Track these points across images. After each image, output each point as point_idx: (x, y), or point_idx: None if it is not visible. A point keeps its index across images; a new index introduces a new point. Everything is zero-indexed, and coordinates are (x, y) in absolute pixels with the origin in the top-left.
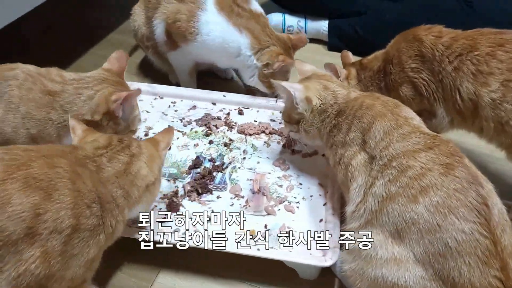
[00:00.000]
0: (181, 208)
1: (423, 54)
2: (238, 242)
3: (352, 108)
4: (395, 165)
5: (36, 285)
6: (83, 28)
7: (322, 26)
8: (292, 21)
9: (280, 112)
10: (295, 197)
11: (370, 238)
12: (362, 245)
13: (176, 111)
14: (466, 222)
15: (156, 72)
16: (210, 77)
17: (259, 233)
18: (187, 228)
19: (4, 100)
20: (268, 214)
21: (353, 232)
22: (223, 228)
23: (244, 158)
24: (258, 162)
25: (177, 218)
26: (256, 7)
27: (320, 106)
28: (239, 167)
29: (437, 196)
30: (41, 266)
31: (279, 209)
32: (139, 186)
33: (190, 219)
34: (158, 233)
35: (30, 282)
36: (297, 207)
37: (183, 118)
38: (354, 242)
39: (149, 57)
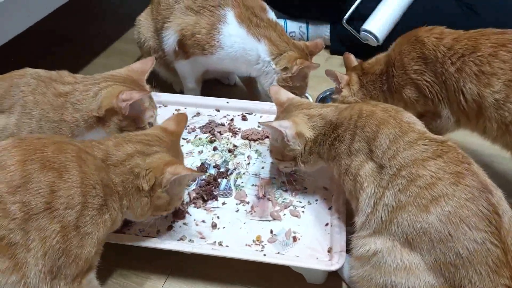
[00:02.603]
0: (186, 215)
1: (426, 56)
2: (244, 248)
3: (351, 118)
4: (404, 175)
5: (57, 266)
6: (87, 37)
7: (324, 31)
8: (294, 27)
9: (269, 151)
10: (300, 202)
11: (378, 245)
12: (367, 252)
13: None
14: (477, 231)
15: (160, 81)
16: (213, 84)
17: (265, 238)
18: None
19: (19, 106)
20: (274, 219)
21: (361, 239)
22: (230, 234)
23: (248, 163)
24: (263, 168)
25: (184, 224)
26: (272, 16)
27: (313, 136)
28: (243, 173)
29: (448, 206)
30: (61, 240)
31: (285, 214)
32: (132, 182)
33: (196, 226)
34: (165, 241)
35: (53, 260)
36: (303, 212)
37: (187, 126)
38: (361, 248)
39: (155, 68)
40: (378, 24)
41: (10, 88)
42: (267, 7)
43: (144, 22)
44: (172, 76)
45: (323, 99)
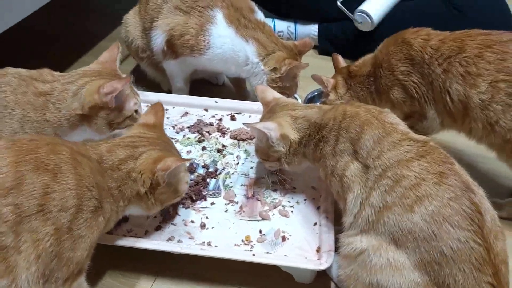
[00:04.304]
0: (175, 216)
1: (413, 57)
2: (233, 248)
3: (335, 119)
4: (390, 175)
5: (49, 269)
6: (73, 36)
7: (312, 30)
8: (282, 26)
9: (255, 150)
10: (289, 201)
11: (364, 244)
12: (353, 250)
13: (168, 118)
14: (460, 230)
15: (148, 80)
16: (202, 83)
17: (254, 238)
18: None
19: (0, 106)
20: (263, 219)
21: (348, 238)
22: (219, 234)
23: (237, 163)
24: (252, 167)
25: (173, 225)
26: (261, 16)
27: (298, 138)
28: (232, 173)
29: (432, 206)
30: (54, 243)
31: (274, 214)
32: (131, 187)
33: (185, 226)
34: (153, 241)
35: (46, 264)
36: (292, 211)
37: (176, 125)
38: (348, 247)
39: (142, 68)
40: (374, 7)
41: None
42: (256, 8)
43: (132, 21)
44: (160, 76)
45: (311, 100)
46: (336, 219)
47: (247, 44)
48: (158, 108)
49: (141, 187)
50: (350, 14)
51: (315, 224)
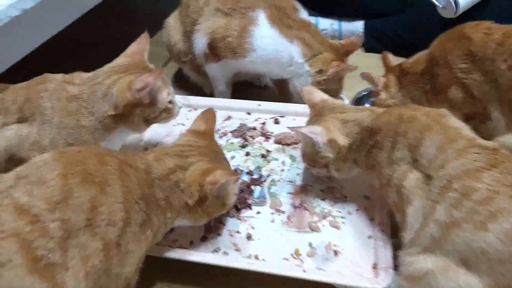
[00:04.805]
0: (220, 226)
1: (473, 53)
2: (282, 262)
3: (390, 124)
4: (456, 188)
5: (97, 286)
6: (113, 41)
7: (357, 27)
8: (325, 24)
9: (301, 155)
10: (339, 212)
11: (429, 265)
12: (416, 271)
13: None
14: None
15: (191, 84)
16: (244, 86)
17: (304, 252)
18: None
19: (38, 113)
20: (312, 230)
21: (410, 256)
22: (266, 246)
23: (282, 170)
24: (298, 174)
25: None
26: (305, 15)
27: (348, 143)
28: (278, 180)
29: (508, 223)
30: (103, 259)
31: (324, 225)
32: (179, 197)
33: (230, 237)
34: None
35: (94, 281)
36: (343, 223)
37: (218, 130)
38: (410, 267)
39: (184, 71)
40: None
41: (30, 95)
42: (299, 6)
43: (173, 24)
44: (202, 79)
45: (359, 100)
46: (392, 232)
47: (291, 44)
48: (209, 115)
49: (189, 199)
50: None
51: (370, 237)
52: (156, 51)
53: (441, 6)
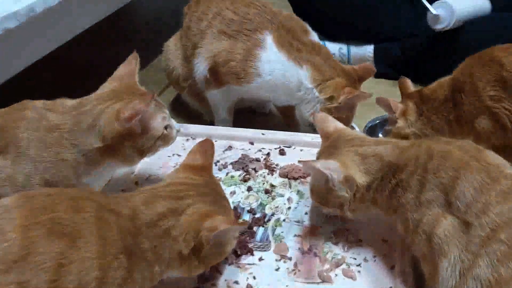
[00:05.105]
0: (216, 275)
1: (505, 79)
2: None
3: (418, 159)
4: (503, 238)
5: None
6: (110, 66)
7: (367, 51)
8: (333, 48)
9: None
10: (355, 258)
11: None
12: None
13: None
14: None
15: (190, 110)
16: (246, 113)
17: None
18: None
19: (13, 145)
20: (323, 281)
21: None
22: None
23: (289, 208)
24: (306, 213)
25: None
26: (316, 38)
27: (367, 182)
28: (284, 220)
29: None
30: None
31: (336, 275)
32: (170, 248)
33: None
34: None
35: None
36: (359, 272)
37: (218, 161)
38: None
39: (183, 98)
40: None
41: (6, 123)
42: (309, 28)
43: (172, 48)
44: (202, 106)
45: (372, 129)
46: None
47: (301, 69)
48: (207, 146)
49: (184, 248)
50: (429, 4)
51: None
52: (154, 76)
53: (434, 14)
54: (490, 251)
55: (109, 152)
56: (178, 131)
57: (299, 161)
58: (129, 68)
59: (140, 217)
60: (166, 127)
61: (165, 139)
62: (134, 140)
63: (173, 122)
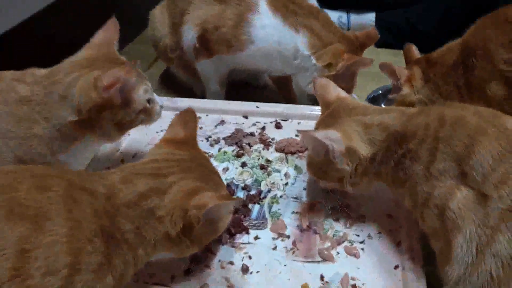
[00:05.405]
0: (209, 256)
1: None
2: None
3: (428, 127)
4: None
5: None
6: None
7: (368, 20)
8: (333, 16)
9: (306, 163)
10: (357, 235)
11: None
12: None
13: (201, 128)
14: None
15: (179, 84)
16: (239, 86)
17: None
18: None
19: None
20: (324, 260)
21: None
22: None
23: (286, 183)
24: (305, 189)
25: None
26: (313, 1)
27: (371, 154)
28: (280, 196)
29: None
30: None
31: (338, 253)
32: (155, 228)
33: (222, 269)
34: None
35: None
36: (362, 249)
37: (210, 137)
38: None
39: (172, 70)
40: None
41: None
42: None
43: (159, 16)
44: (192, 79)
45: (374, 100)
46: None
47: (297, 34)
48: (188, 117)
49: (171, 229)
50: None
51: (397, 267)
52: (141, 51)
53: None
54: (511, 225)
55: (86, 127)
56: (162, 106)
57: (298, 131)
58: (107, 35)
59: (119, 197)
60: (148, 101)
61: (148, 113)
62: (113, 113)
63: (157, 96)
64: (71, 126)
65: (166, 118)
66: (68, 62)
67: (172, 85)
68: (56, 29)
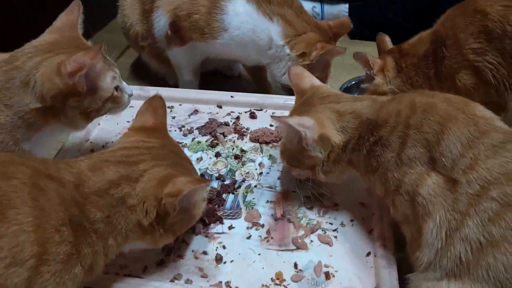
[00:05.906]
0: (182, 246)
1: (489, 31)
2: None
3: (400, 114)
4: (495, 196)
5: None
6: None
7: (341, 10)
8: (306, 6)
9: (279, 151)
10: (331, 223)
11: None
12: None
13: (174, 117)
14: None
15: (152, 74)
16: (213, 76)
17: (288, 276)
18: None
19: None
20: (298, 248)
21: (425, 282)
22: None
23: (260, 173)
24: (279, 178)
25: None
26: None
27: (343, 141)
28: (255, 186)
29: None
30: None
31: (312, 241)
32: (126, 218)
33: (195, 259)
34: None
35: None
36: (335, 237)
37: (183, 126)
38: None
39: (143, 59)
40: None
41: None
42: None
43: (129, 2)
44: (165, 68)
45: (347, 90)
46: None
47: (271, 23)
48: (156, 104)
49: (144, 219)
50: None
51: (369, 254)
52: (111, 37)
53: None
54: (480, 209)
55: (50, 114)
56: (131, 95)
57: (271, 117)
58: (71, 18)
59: (87, 185)
60: (116, 88)
61: (116, 101)
62: (78, 100)
63: (125, 85)
64: (34, 113)
65: (137, 108)
66: (29, 46)
67: (144, 74)
68: (20, 11)
